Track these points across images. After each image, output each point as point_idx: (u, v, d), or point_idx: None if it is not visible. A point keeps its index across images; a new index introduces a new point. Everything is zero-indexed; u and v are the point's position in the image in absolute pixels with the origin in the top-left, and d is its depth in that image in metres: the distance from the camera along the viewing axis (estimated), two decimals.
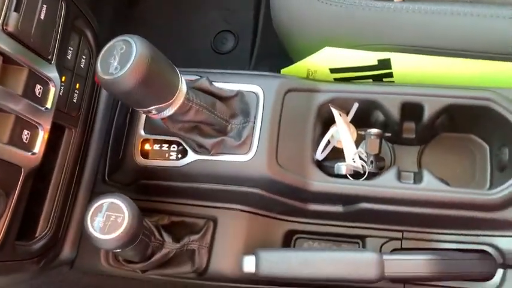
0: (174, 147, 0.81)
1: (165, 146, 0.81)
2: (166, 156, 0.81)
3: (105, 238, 0.63)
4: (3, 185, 0.62)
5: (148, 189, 0.84)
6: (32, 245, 0.74)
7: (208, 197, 0.83)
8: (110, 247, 0.65)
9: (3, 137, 0.62)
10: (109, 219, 0.64)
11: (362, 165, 0.80)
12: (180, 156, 0.80)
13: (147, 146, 0.82)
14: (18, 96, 0.63)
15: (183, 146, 0.80)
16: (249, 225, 0.84)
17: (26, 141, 0.65)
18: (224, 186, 0.80)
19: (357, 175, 0.80)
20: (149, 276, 0.84)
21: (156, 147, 0.81)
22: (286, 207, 0.82)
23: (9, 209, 0.64)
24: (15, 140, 0.64)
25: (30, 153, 0.67)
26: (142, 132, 0.82)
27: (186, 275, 0.84)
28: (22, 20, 0.62)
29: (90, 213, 0.64)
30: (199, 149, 0.79)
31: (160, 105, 0.67)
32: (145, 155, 0.81)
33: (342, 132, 0.81)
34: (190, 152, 0.80)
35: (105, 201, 0.64)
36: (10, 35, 0.62)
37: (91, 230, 0.63)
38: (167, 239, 0.81)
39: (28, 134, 0.66)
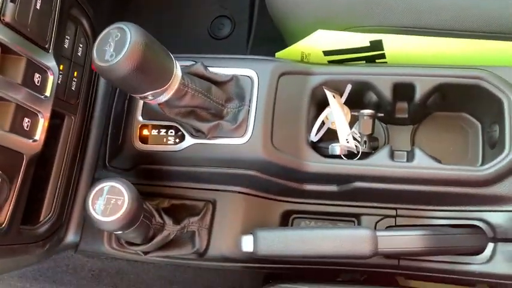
0: (171, 132, 0.83)
1: (163, 131, 0.83)
2: (165, 141, 0.83)
3: (107, 220, 0.65)
4: (7, 171, 0.64)
5: (148, 174, 0.86)
6: (36, 229, 0.77)
7: (206, 179, 0.85)
8: (112, 229, 0.67)
9: (4, 125, 0.64)
10: (110, 202, 0.66)
11: (356, 146, 0.82)
12: (177, 140, 0.82)
13: (145, 132, 0.83)
14: (18, 85, 0.65)
15: (181, 131, 0.82)
16: (247, 207, 0.86)
17: (27, 129, 0.67)
18: (221, 169, 0.82)
19: (351, 155, 0.82)
20: (151, 258, 0.86)
21: (154, 132, 0.83)
22: (283, 188, 0.84)
23: (13, 194, 0.67)
24: (16, 128, 0.66)
25: (31, 140, 0.69)
26: (140, 118, 0.84)
27: (187, 256, 0.87)
28: (18, 11, 0.64)
29: (91, 196, 0.66)
30: (196, 133, 0.81)
31: (156, 91, 0.68)
32: (144, 140, 0.83)
33: (336, 114, 0.83)
34: (187, 136, 0.82)
35: (106, 185, 0.67)
36: (7, 25, 0.63)
37: (93, 212, 0.66)
38: (168, 221, 0.83)
39: (29, 121, 0.67)
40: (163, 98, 0.71)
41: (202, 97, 0.76)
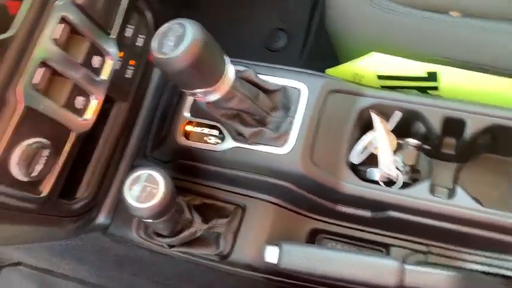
0: (214, 132, 0.84)
1: (206, 130, 0.84)
2: (206, 139, 0.84)
3: (140, 207, 0.67)
4: (54, 144, 0.67)
5: (185, 169, 0.88)
6: (72, 204, 0.79)
7: (240, 184, 0.86)
8: (143, 215, 0.69)
9: (60, 100, 0.67)
10: (145, 189, 0.67)
11: (396, 174, 0.80)
12: (219, 141, 0.83)
13: (189, 128, 0.85)
14: (79, 64, 0.68)
15: (223, 133, 0.83)
16: (275, 217, 0.86)
17: (80, 107, 0.70)
18: (257, 176, 0.83)
19: (389, 183, 0.80)
20: (175, 252, 0.87)
21: (198, 130, 0.85)
22: (315, 205, 0.84)
23: (58, 166, 0.69)
24: (70, 105, 0.68)
25: (81, 119, 0.71)
26: (187, 114, 0.85)
27: (209, 256, 0.87)
28: None
29: (129, 181, 0.68)
30: (238, 136, 0.82)
31: (206, 89, 0.70)
32: (186, 135, 0.85)
33: (381, 139, 0.82)
34: (229, 138, 0.82)
35: (144, 173, 0.68)
36: (79, 7, 0.66)
37: (128, 197, 0.67)
38: (196, 218, 0.84)
39: (83, 100, 0.70)
40: (212, 98, 0.72)
41: (249, 102, 0.77)
